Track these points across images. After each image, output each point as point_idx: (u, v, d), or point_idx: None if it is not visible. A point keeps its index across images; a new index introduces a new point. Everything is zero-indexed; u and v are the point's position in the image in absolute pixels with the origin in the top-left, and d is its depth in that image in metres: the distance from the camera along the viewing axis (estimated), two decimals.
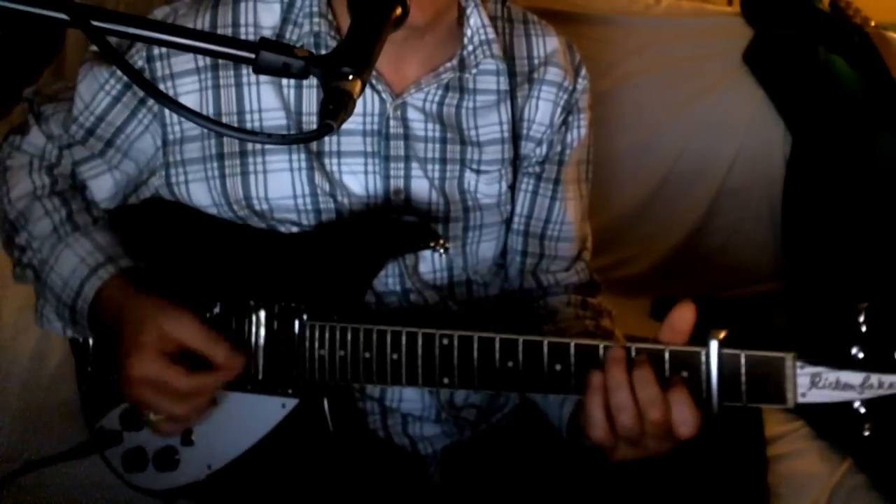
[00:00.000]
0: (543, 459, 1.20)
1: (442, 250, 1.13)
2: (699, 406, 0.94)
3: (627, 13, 2.38)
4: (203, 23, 1.15)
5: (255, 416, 1.12)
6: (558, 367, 0.99)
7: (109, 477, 1.20)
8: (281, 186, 1.16)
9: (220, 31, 1.14)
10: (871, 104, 2.11)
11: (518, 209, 1.29)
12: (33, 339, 1.54)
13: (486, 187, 1.24)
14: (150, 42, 0.83)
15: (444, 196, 1.21)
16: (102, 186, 1.21)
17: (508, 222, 1.29)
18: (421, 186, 1.20)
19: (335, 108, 0.77)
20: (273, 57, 0.79)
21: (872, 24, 2.21)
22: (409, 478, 1.23)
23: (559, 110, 1.26)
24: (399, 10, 0.89)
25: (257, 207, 1.16)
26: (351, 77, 0.79)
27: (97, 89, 1.17)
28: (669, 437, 0.95)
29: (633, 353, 0.97)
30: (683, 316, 0.97)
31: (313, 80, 0.82)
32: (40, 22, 0.77)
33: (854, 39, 2.19)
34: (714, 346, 0.94)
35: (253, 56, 0.79)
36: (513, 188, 1.27)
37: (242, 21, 1.15)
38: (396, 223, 1.16)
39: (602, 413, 0.96)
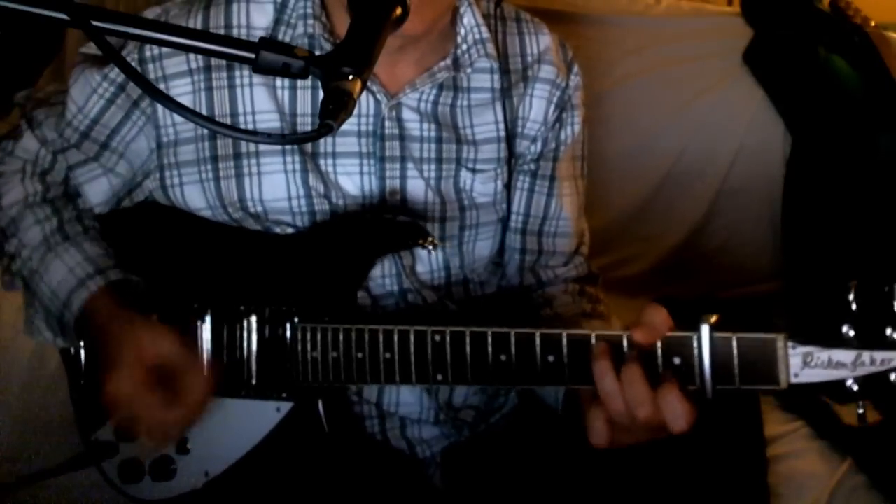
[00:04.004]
0: (543, 460, 1.20)
1: (431, 248, 1.13)
2: (692, 395, 0.93)
3: (627, 13, 2.37)
4: (195, 23, 1.14)
5: (250, 421, 1.12)
6: (551, 358, 0.98)
7: None
8: (275, 188, 1.15)
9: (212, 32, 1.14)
10: (871, 104, 2.10)
11: (515, 207, 1.29)
12: (33, 340, 1.54)
13: (482, 186, 1.24)
14: (150, 42, 0.83)
15: (440, 196, 1.21)
16: (98, 190, 1.21)
17: (505, 221, 1.29)
18: (417, 187, 1.20)
19: (335, 108, 0.77)
20: (273, 57, 0.79)
21: (872, 24, 2.20)
22: (408, 481, 1.23)
23: (553, 107, 1.27)
24: (399, 11, 0.89)
25: (252, 210, 1.16)
26: (351, 77, 0.79)
27: (90, 92, 1.17)
28: (663, 430, 0.94)
29: (626, 346, 0.96)
30: (655, 314, 0.96)
31: (307, 82, 0.82)
32: (40, 22, 0.77)
33: (854, 39, 2.19)
34: (705, 330, 0.93)
35: (253, 56, 0.79)
36: (508, 187, 1.27)
37: (235, 22, 1.15)
38: (385, 222, 1.16)
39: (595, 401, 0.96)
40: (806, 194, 2.16)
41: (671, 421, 0.93)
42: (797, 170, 2.19)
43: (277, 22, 1.15)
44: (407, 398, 1.21)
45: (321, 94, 0.79)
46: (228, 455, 1.13)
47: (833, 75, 2.16)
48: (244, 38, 1.13)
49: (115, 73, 1.15)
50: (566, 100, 1.28)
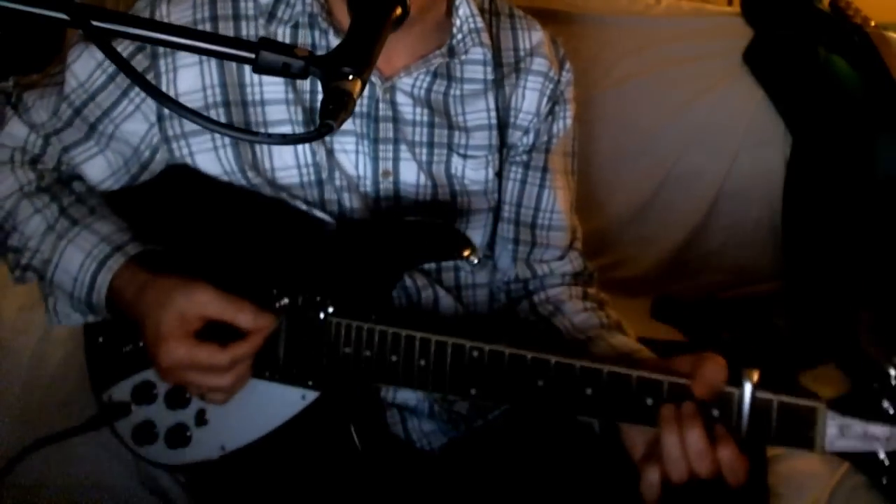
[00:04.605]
0: (541, 456, 1.20)
1: (476, 259, 1.14)
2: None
3: (627, 13, 2.38)
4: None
5: (273, 403, 1.12)
6: (589, 391, 0.99)
7: (109, 476, 1.20)
8: (284, 155, 1.17)
9: (219, 7, 1.16)
10: (871, 104, 2.11)
11: (507, 198, 1.31)
12: (33, 339, 1.54)
13: (473, 173, 1.25)
14: (151, 42, 0.83)
15: (431, 179, 1.23)
16: (97, 169, 1.20)
17: (496, 211, 1.30)
18: (409, 169, 1.21)
19: (335, 108, 0.77)
20: (273, 57, 0.79)
21: (872, 24, 2.21)
22: (410, 475, 1.23)
23: (545, 99, 1.29)
24: (399, 10, 0.89)
25: (264, 174, 1.17)
26: (351, 77, 0.79)
27: (94, 67, 1.16)
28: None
29: (665, 390, 0.97)
30: (717, 372, 0.98)
31: None
32: (40, 22, 0.77)
33: (854, 39, 2.19)
34: (748, 389, 0.95)
35: (253, 56, 0.79)
36: (500, 176, 1.28)
37: None
38: (431, 227, 1.16)
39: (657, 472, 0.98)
40: (806, 195, 2.16)
41: (730, 476, 0.95)
42: (797, 170, 2.19)
43: (277, 0, 1.16)
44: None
45: None
46: (247, 433, 1.13)
47: (833, 75, 2.16)
48: (250, 10, 1.16)
49: (122, 48, 1.15)
50: (559, 93, 1.30)
